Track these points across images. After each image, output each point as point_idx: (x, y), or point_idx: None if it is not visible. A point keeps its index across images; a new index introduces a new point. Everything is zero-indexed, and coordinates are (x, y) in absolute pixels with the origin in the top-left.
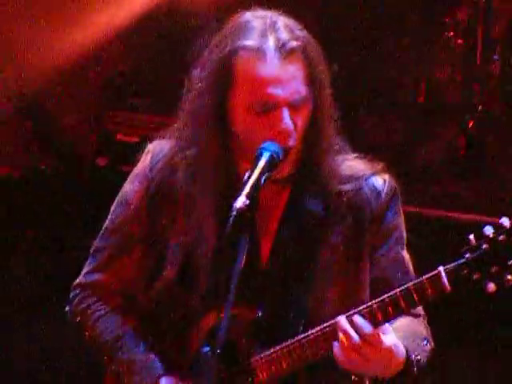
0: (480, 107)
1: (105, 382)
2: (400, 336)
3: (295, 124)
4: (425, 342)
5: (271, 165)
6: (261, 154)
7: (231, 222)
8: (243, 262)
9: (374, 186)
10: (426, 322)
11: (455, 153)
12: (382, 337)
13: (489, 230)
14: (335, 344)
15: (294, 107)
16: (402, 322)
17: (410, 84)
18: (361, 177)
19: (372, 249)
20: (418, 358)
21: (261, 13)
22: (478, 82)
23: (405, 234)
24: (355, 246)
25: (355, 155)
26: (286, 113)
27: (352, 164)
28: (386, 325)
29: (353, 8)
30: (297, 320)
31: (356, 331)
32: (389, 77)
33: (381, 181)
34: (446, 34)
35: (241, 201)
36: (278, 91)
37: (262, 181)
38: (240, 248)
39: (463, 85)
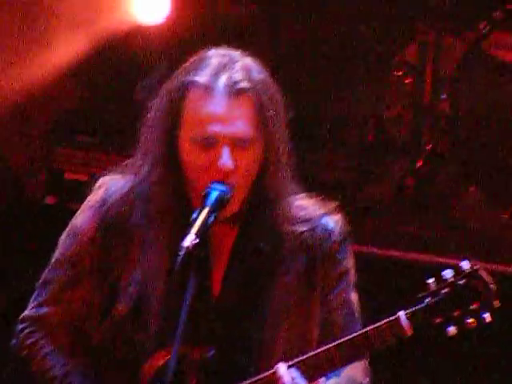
0: (429, 146)
1: None
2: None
3: (238, 163)
4: None
5: (220, 204)
6: (209, 193)
7: (179, 260)
8: (191, 300)
9: (325, 226)
10: (366, 363)
11: (404, 191)
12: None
13: (449, 274)
14: None
15: (238, 146)
16: (349, 370)
17: (359, 122)
18: (313, 217)
19: (322, 289)
20: None
21: (224, 51)
22: (426, 120)
23: (353, 277)
24: (307, 285)
25: (305, 195)
26: (225, 151)
27: (303, 204)
28: (322, 379)
29: (301, 46)
30: (248, 359)
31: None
32: (338, 115)
33: (332, 222)
34: (395, 72)
35: (189, 239)
36: (220, 129)
37: (211, 219)
38: (189, 286)
39: (412, 123)
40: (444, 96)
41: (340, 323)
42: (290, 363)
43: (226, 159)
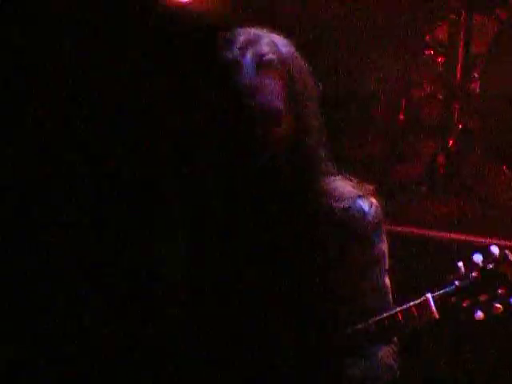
0: (460, 125)
1: None
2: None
3: (279, 130)
4: (387, 372)
5: None
6: None
7: None
8: None
9: (360, 207)
10: (396, 348)
11: (435, 170)
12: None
13: (478, 258)
14: None
15: (270, 117)
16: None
17: (389, 101)
18: (348, 197)
19: (355, 271)
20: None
21: (250, 29)
22: (458, 99)
23: (387, 261)
24: (339, 262)
25: (342, 176)
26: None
27: (339, 184)
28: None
29: (330, 25)
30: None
31: None
32: (368, 94)
33: (368, 204)
34: (427, 51)
35: None
36: (249, 101)
37: None
38: None
39: (443, 103)
40: (475, 75)
41: (371, 308)
42: None
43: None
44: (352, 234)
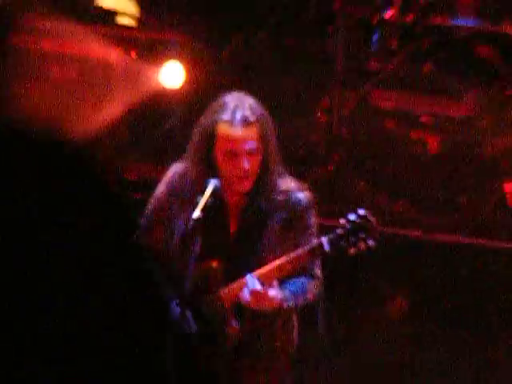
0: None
1: None
2: (286, 291)
3: (251, 164)
4: (306, 295)
5: (215, 191)
6: (208, 184)
7: (192, 221)
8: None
9: (297, 197)
10: (317, 282)
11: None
12: (269, 291)
13: (352, 216)
14: (244, 289)
15: (250, 154)
16: (297, 284)
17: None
18: (291, 191)
19: (295, 235)
20: (294, 302)
21: (236, 94)
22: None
23: (315, 230)
24: (288, 229)
25: (289, 178)
26: (244, 159)
27: (285, 184)
28: (274, 282)
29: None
30: (247, 269)
31: (253, 288)
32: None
33: (302, 194)
34: (317, 114)
35: (196, 213)
36: (240, 146)
37: (210, 201)
38: (197, 232)
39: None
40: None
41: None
42: (254, 273)
43: (245, 164)
44: (292, 213)
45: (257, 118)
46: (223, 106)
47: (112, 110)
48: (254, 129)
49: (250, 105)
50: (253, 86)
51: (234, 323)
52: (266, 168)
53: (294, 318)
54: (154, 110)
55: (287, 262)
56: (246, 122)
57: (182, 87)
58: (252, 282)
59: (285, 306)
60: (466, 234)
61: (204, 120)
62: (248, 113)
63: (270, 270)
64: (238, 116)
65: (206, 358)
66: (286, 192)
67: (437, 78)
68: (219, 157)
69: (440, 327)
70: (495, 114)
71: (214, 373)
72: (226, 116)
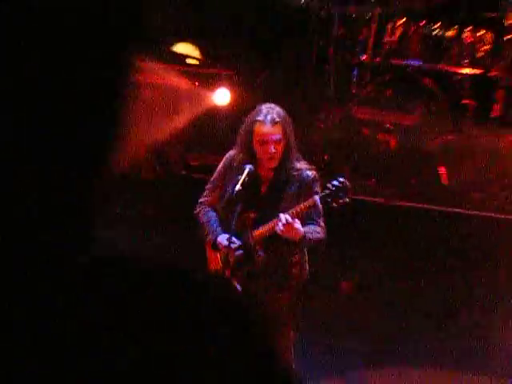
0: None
1: (206, 243)
2: (305, 229)
3: (276, 149)
4: (317, 235)
5: (249, 173)
6: (245, 168)
7: (235, 193)
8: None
9: (307, 173)
10: (322, 229)
11: None
12: (295, 223)
13: (334, 181)
14: (278, 223)
15: (275, 143)
16: (310, 226)
17: None
18: (302, 169)
19: (305, 197)
20: (310, 236)
21: (267, 104)
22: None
23: (319, 193)
24: (300, 194)
25: (303, 161)
26: (271, 146)
27: (300, 165)
28: (297, 220)
29: None
30: (275, 216)
31: (286, 219)
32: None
33: (310, 172)
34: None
35: (237, 187)
36: (268, 137)
37: (246, 179)
38: (240, 200)
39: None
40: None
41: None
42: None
43: (272, 149)
44: (303, 183)
45: (281, 120)
46: (259, 111)
47: (183, 119)
48: (279, 126)
49: (276, 111)
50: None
51: (261, 252)
52: (287, 153)
53: (306, 258)
54: (211, 119)
55: (298, 210)
56: (273, 122)
57: (229, 105)
58: (284, 216)
59: (306, 237)
60: (415, 201)
61: (246, 121)
62: (275, 116)
63: (291, 214)
64: (269, 117)
65: (243, 276)
66: (300, 169)
67: (395, 99)
68: (256, 144)
69: (403, 272)
70: (434, 123)
71: (248, 288)
72: (260, 117)
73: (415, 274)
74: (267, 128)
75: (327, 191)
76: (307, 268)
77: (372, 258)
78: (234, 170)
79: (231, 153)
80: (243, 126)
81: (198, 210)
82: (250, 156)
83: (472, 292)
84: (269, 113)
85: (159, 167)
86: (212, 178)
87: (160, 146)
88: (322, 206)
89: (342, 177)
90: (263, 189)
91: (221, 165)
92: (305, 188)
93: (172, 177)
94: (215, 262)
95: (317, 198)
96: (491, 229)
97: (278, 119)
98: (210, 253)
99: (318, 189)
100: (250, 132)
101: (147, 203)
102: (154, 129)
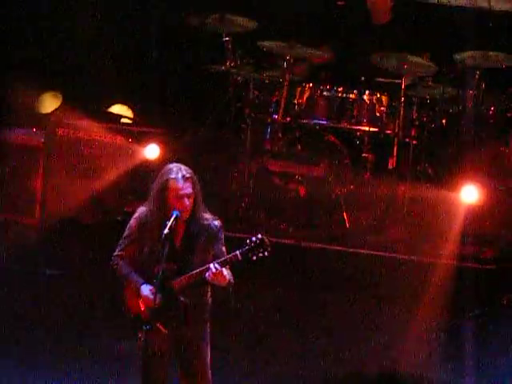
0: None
1: (125, 293)
2: (228, 273)
3: (190, 202)
4: (232, 279)
5: (176, 218)
6: (172, 214)
7: (163, 235)
8: (168, 248)
9: (214, 224)
10: (231, 274)
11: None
12: (224, 271)
13: (254, 238)
14: (208, 272)
15: (188, 196)
16: (228, 271)
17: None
18: (209, 219)
19: (213, 247)
20: (231, 279)
21: (174, 164)
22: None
23: (223, 242)
24: (209, 243)
25: (207, 212)
26: (185, 199)
27: (207, 215)
28: (223, 268)
29: None
30: (190, 268)
31: (216, 268)
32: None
33: (216, 222)
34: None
35: (165, 230)
36: (183, 192)
37: (174, 223)
38: (166, 244)
39: None
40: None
41: (220, 257)
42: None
43: (186, 202)
44: (211, 233)
45: (190, 175)
46: (169, 170)
47: (118, 171)
48: (190, 181)
49: (184, 168)
50: (198, 158)
51: (182, 298)
52: (197, 205)
53: (210, 298)
54: (143, 171)
55: (226, 260)
56: (184, 178)
57: (158, 159)
58: (213, 265)
59: (231, 281)
60: (321, 242)
61: (158, 180)
62: (185, 172)
63: (220, 263)
64: (180, 174)
65: (166, 318)
66: (208, 219)
67: (304, 153)
68: (172, 200)
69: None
70: (337, 174)
71: (171, 327)
72: (172, 175)
73: (317, 305)
74: (181, 184)
75: (246, 247)
76: (211, 303)
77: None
78: (147, 224)
79: (142, 209)
80: (156, 185)
81: (115, 262)
82: (164, 211)
83: (369, 322)
84: (180, 170)
85: (98, 213)
86: (125, 234)
87: (98, 194)
88: (242, 259)
89: (259, 234)
90: (178, 241)
91: (133, 221)
92: (213, 237)
93: (109, 221)
94: (136, 307)
95: (238, 252)
96: (387, 266)
97: (187, 175)
98: (130, 299)
99: (222, 235)
100: (165, 189)
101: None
102: (93, 179)
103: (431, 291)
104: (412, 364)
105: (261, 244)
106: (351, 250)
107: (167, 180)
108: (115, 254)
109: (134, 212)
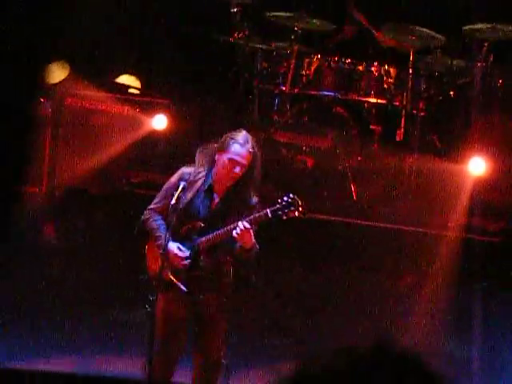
0: None
1: (146, 250)
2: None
3: (238, 172)
4: (256, 247)
5: (182, 189)
6: (179, 184)
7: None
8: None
9: (252, 200)
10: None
11: None
12: (251, 229)
13: (285, 197)
14: (236, 229)
15: (242, 166)
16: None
17: None
18: (250, 197)
19: (249, 213)
20: (257, 246)
21: (247, 135)
22: None
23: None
24: (242, 214)
25: (255, 194)
26: (237, 167)
27: (252, 193)
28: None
29: None
30: (221, 226)
31: (244, 226)
32: None
33: (255, 198)
34: None
35: (174, 200)
36: (240, 160)
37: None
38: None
39: None
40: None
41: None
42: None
43: (237, 170)
44: (248, 205)
45: (254, 151)
46: (240, 136)
47: (125, 141)
48: (250, 156)
49: (253, 144)
50: (205, 129)
51: (205, 259)
52: (247, 181)
53: (231, 269)
54: (150, 142)
55: (253, 219)
56: (248, 150)
57: (165, 129)
58: (242, 223)
59: (256, 245)
60: (329, 214)
61: (224, 138)
62: (250, 146)
63: (248, 221)
64: (248, 145)
65: (185, 278)
66: (249, 196)
67: (312, 124)
68: (224, 161)
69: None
70: (344, 145)
71: (189, 288)
72: (241, 140)
73: (328, 276)
74: (242, 151)
75: (278, 205)
76: (232, 278)
77: (290, 264)
78: (188, 183)
79: (186, 169)
80: (218, 145)
81: (147, 215)
82: (211, 172)
83: (377, 294)
84: (248, 141)
85: (105, 183)
86: (163, 188)
87: (105, 164)
88: (272, 218)
89: (291, 193)
90: (213, 205)
91: (174, 178)
92: (247, 211)
93: (116, 192)
94: (156, 263)
95: (268, 211)
96: (394, 238)
97: (251, 150)
98: (150, 254)
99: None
100: (224, 150)
101: (94, 215)
102: (100, 149)
103: (438, 263)
104: (418, 336)
105: (292, 203)
106: (358, 221)
107: (232, 143)
108: (149, 207)
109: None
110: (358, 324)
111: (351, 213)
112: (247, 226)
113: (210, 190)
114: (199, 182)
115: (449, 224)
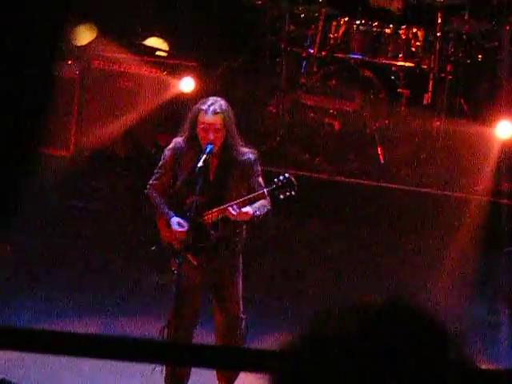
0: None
1: (158, 222)
2: (254, 206)
3: (215, 137)
4: (264, 209)
5: (210, 150)
6: (206, 147)
7: (197, 168)
8: (202, 180)
9: (249, 157)
10: (268, 202)
11: None
12: (244, 209)
13: (281, 176)
14: (230, 211)
15: (215, 131)
16: (260, 202)
17: None
18: (245, 152)
19: (250, 177)
20: (258, 213)
21: (212, 97)
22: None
23: (260, 172)
24: (244, 177)
25: (243, 146)
26: (210, 133)
27: (242, 149)
28: (248, 206)
29: None
30: (222, 202)
31: (235, 210)
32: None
33: (251, 155)
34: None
35: (199, 163)
36: (209, 126)
37: (207, 157)
38: (200, 176)
39: None
40: (286, 117)
41: (256, 189)
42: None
43: (211, 136)
44: (246, 165)
45: (222, 111)
46: (203, 102)
47: (153, 104)
48: (219, 117)
49: (219, 103)
50: (232, 92)
51: (213, 231)
52: (229, 141)
53: (245, 227)
54: (177, 105)
55: (246, 200)
56: (214, 112)
57: (193, 92)
58: (232, 208)
59: (255, 215)
60: (355, 177)
61: (192, 109)
62: (217, 107)
63: (241, 201)
64: (211, 108)
65: (195, 251)
66: (243, 153)
67: (339, 87)
68: (199, 132)
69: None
70: (372, 108)
71: (201, 260)
72: (204, 107)
73: (356, 240)
74: (208, 117)
75: (274, 185)
76: (245, 235)
77: (320, 227)
78: (182, 155)
79: (178, 140)
80: (189, 115)
81: (149, 191)
82: (197, 142)
83: (403, 257)
84: (212, 104)
85: (132, 146)
86: (160, 163)
87: (132, 126)
88: (270, 198)
89: (286, 173)
90: (211, 174)
91: (168, 151)
92: (247, 170)
93: (142, 154)
94: (169, 237)
95: (265, 190)
96: (420, 202)
97: (218, 110)
98: (163, 229)
99: (258, 167)
100: (193, 120)
101: (120, 178)
102: (128, 111)
103: (466, 227)
104: (441, 299)
105: (288, 183)
106: (385, 184)
107: (198, 111)
108: (150, 182)
109: (167, 144)
110: (382, 286)
111: (378, 176)
112: (236, 210)
113: (204, 162)
114: (192, 154)
115: (476, 187)
